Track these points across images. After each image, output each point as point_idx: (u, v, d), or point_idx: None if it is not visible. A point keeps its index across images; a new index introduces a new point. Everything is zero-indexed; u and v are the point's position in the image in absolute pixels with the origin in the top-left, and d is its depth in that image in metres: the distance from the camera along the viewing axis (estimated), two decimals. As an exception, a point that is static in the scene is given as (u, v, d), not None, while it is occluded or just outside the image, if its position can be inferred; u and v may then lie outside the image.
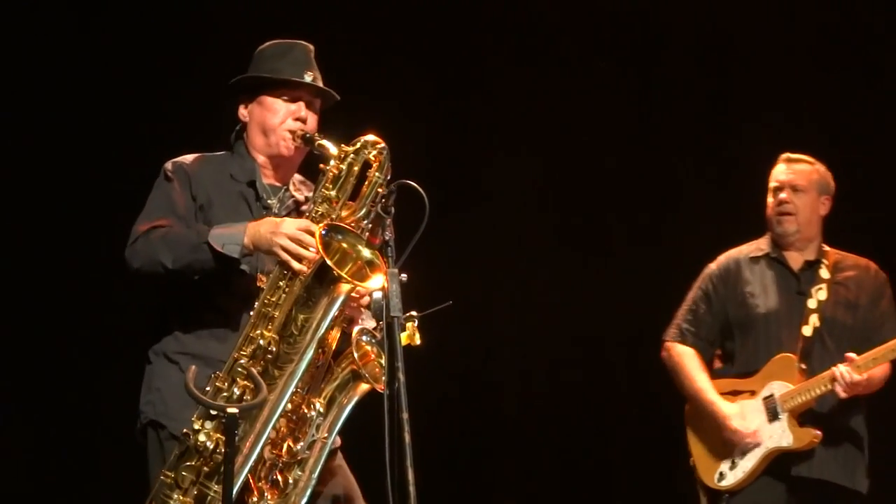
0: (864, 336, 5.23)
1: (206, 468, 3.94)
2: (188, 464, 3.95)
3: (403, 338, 4.35)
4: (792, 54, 6.89)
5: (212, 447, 3.91)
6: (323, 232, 3.92)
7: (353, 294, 4.01)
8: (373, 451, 3.72)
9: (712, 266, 5.43)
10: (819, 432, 5.13)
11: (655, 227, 6.87)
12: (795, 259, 5.36)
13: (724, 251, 5.51)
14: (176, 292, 4.17)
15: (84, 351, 6.28)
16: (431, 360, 4.25)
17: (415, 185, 3.88)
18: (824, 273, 5.30)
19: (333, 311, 3.96)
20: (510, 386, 6.97)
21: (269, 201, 4.25)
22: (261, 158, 4.30)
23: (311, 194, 4.24)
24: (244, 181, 4.26)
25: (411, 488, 3.59)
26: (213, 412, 3.89)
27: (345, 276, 3.90)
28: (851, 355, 5.11)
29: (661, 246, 6.74)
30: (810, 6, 6.86)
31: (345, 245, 3.97)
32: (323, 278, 3.93)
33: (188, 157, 4.30)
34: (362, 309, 4.13)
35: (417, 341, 4.13)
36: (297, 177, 4.38)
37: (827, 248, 5.39)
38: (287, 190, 4.31)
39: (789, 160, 5.39)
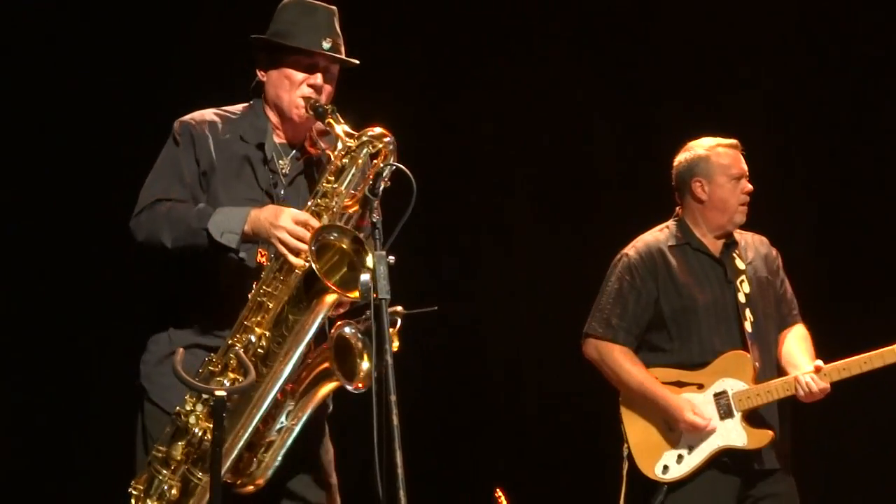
0: (777, 310, 5.23)
1: (194, 454, 3.95)
2: (179, 443, 3.96)
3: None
4: (775, 45, 6.93)
5: (199, 434, 3.92)
6: (313, 246, 3.89)
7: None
8: (361, 434, 3.71)
9: (632, 255, 5.27)
10: (772, 433, 5.11)
11: (649, 215, 6.86)
12: (714, 245, 5.27)
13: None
14: (175, 272, 4.18)
15: (83, 333, 6.27)
16: (420, 344, 4.25)
17: (402, 166, 3.88)
18: (739, 263, 5.23)
19: (321, 318, 3.96)
20: (499, 368, 6.98)
21: (279, 162, 4.23)
22: (274, 118, 4.27)
23: (326, 147, 4.23)
24: (253, 143, 4.23)
25: (399, 471, 3.58)
26: (203, 395, 3.89)
27: (332, 286, 3.88)
28: (819, 363, 5.07)
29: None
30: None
31: (341, 245, 3.95)
32: (313, 284, 3.93)
33: (196, 115, 4.24)
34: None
35: (395, 346, 4.10)
36: (319, 126, 4.28)
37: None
38: (300, 149, 4.28)
39: (739, 147, 5.31)
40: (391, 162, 3.93)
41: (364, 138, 4.04)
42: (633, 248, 5.29)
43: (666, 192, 5.44)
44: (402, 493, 3.58)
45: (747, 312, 5.16)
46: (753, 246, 5.32)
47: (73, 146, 6.26)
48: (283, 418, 4.03)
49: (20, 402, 6.21)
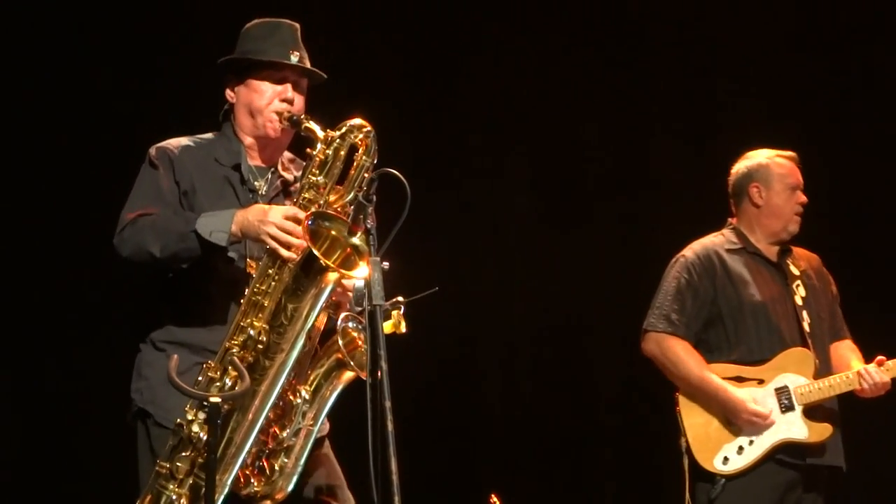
0: (829, 322, 5.38)
1: (200, 459, 3.94)
2: (183, 454, 3.96)
3: (389, 325, 4.37)
4: (772, 40, 6.89)
5: (205, 438, 3.90)
6: (310, 221, 3.91)
7: (340, 280, 4.00)
8: (356, 440, 3.72)
9: (689, 255, 5.38)
10: (832, 427, 5.20)
11: (640, 210, 6.86)
12: (770, 251, 5.40)
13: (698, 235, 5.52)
14: (164, 280, 4.17)
15: (74, 339, 6.28)
16: (414, 347, 4.25)
17: (396, 173, 3.87)
18: (794, 269, 5.37)
19: (322, 301, 3.96)
20: (493, 374, 6.97)
21: (255, 183, 4.24)
22: (248, 140, 4.29)
23: (299, 173, 4.23)
24: (229, 165, 4.25)
25: (394, 477, 3.58)
26: (204, 403, 3.89)
27: (332, 265, 3.89)
28: (881, 358, 5.20)
29: (646, 230, 6.74)
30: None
31: (333, 232, 3.96)
32: (310, 268, 3.92)
33: (172, 142, 4.28)
34: (349, 294, 4.11)
35: (403, 329, 4.12)
36: (287, 155, 4.37)
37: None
38: (275, 171, 4.30)
39: (797, 160, 5.45)
40: (384, 169, 3.92)
41: (344, 129, 4.05)
42: (690, 250, 5.41)
43: (659, 195, 5.49)
44: (397, 499, 3.58)
45: (804, 314, 5.30)
46: (806, 258, 5.46)
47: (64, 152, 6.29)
48: (299, 419, 4.05)
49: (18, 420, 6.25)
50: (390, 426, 3.61)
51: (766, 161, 5.42)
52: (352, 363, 4.03)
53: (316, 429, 4.07)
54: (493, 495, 5.60)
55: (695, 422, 5.26)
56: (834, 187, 6.51)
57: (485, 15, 6.91)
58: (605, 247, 5.46)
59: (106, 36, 6.35)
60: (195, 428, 3.93)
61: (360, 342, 4.07)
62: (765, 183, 5.39)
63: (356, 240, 3.93)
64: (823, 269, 5.49)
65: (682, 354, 5.27)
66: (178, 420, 3.97)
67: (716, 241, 5.42)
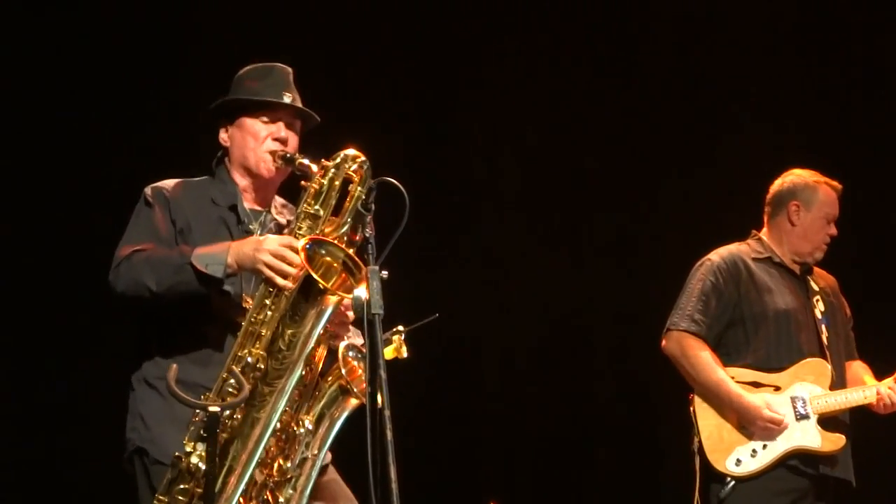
0: (845, 341, 5.43)
1: (198, 490, 3.90)
2: (181, 487, 3.93)
3: (391, 351, 4.39)
4: (774, 54, 6.94)
5: (204, 468, 3.85)
6: (307, 246, 3.90)
7: (339, 307, 3.98)
8: (355, 449, 3.69)
9: (716, 259, 5.40)
10: (845, 438, 5.23)
11: (636, 225, 6.89)
12: (793, 266, 5.45)
13: (705, 248, 5.51)
14: (158, 317, 4.15)
15: (69, 377, 6.27)
16: (413, 355, 4.25)
17: (395, 182, 3.88)
18: (814, 284, 5.43)
19: (321, 325, 3.93)
20: (493, 384, 6.97)
21: (250, 226, 4.24)
22: (242, 182, 4.29)
23: (292, 217, 4.23)
24: (225, 205, 4.25)
25: (394, 486, 3.55)
26: (202, 433, 3.86)
27: (330, 288, 3.88)
28: None
29: (643, 244, 6.77)
30: (795, 7, 6.91)
31: (328, 258, 3.95)
32: (308, 292, 3.90)
33: (168, 182, 4.29)
34: (348, 325, 4.11)
35: (404, 354, 4.13)
36: (279, 200, 4.37)
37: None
38: (269, 213, 4.31)
39: (841, 192, 5.49)
40: (383, 178, 3.93)
41: (338, 159, 4.05)
42: (716, 254, 5.43)
43: (658, 209, 5.52)
44: (396, 507, 3.56)
45: (823, 327, 5.35)
46: (824, 278, 5.51)
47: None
48: (303, 449, 4.03)
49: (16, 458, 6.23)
50: (389, 434, 3.59)
51: (814, 184, 5.45)
52: (354, 389, 4.01)
53: (320, 458, 4.04)
54: (492, 503, 5.61)
55: (709, 423, 5.27)
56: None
57: (482, 34, 6.98)
58: (606, 267, 5.49)
59: (102, 77, 6.42)
60: (194, 459, 3.89)
61: (359, 371, 4.05)
62: (806, 204, 5.43)
63: (351, 265, 3.93)
64: (839, 291, 5.53)
65: (701, 356, 5.29)
66: (177, 453, 3.93)
67: (742, 248, 5.45)
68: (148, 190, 4.27)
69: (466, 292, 6.73)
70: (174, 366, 3.78)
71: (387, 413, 3.62)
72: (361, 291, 3.74)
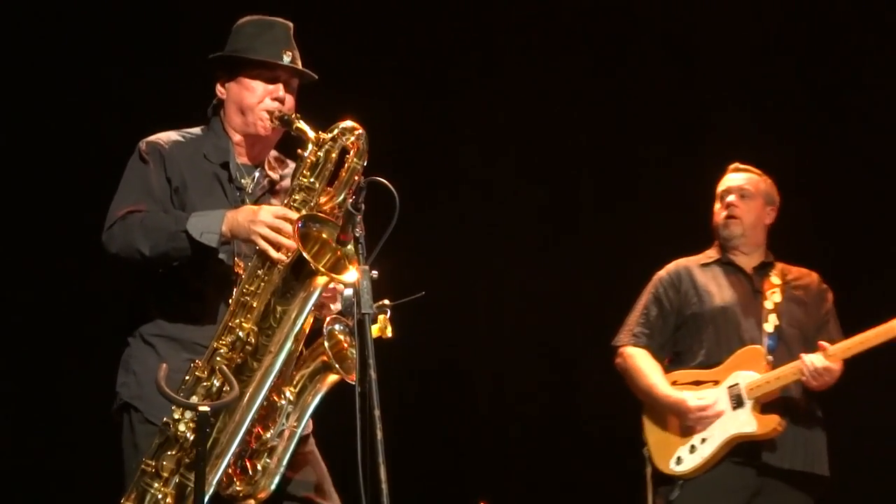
0: (813, 334, 5.36)
1: (186, 459, 3.93)
2: (169, 453, 3.95)
3: (375, 330, 4.34)
4: (758, 55, 6.92)
5: (192, 438, 3.90)
6: (300, 224, 3.90)
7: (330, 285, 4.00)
8: (345, 448, 3.71)
9: (662, 273, 5.53)
10: (782, 419, 5.21)
11: (631, 221, 6.88)
12: (745, 263, 5.50)
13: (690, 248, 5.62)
14: (154, 276, 4.16)
15: (62, 333, 6.27)
16: (403, 355, 4.25)
17: (385, 181, 3.87)
18: (775, 279, 5.45)
19: (311, 304, 3.96)
20: (483, 382, 6.99)
21: (242, 181, 4.23)
22: (236, 137, 4.28)
23: (285, 171, 4.25)
24: (217, 162, 4.24)
25: (384, 486, 3.59)
26: (193, 399, 3.89)
27: (321, 269, 3.88)
28: (824, 344, 5.22)
29: (637, 240, 6.75)
30: (780, 11, 6.88)
31: (323, 235, 3.95)
32: (300, 270, 3.92)
33: (162, 136, 4.26)
34: (336, 295, 4.11)
35: (389, 334, 4.12)
36: (273, 153, 4.36)
37: (773, 258, 5.54)
38: (262, 169, 4.30)
39: (738, 169, 5.56)
40: (373, 178, 3.92)
41: (335, 131, 4.05)
42: (665, 267, 5.57)
43: (648, 212, 5.56)
44: (386, 507, 3.60)
45: (771, 317, 5.36)
46: (797, 273, 5.51)
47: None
48: (283, 420, 4.04)
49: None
50: (379, 434, 3.61)
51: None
52: (337, 366, 4.03)
53: (300, 430, 4.07)
54: (482, 503, 5.63)
55: (654, 429, 5.40)
56: (818, 195, 6.54)
57: (472, 22, 6.94)
58: (597, 270, 5.51)
59: (94, 29, 6.37)
60: (182, 427, 3.91)
61: (345, 345, 4.06)
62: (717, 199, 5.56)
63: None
64: (822, 286, 5.52)
65: (638, 365, 5.42)
66: (165, 419, 3.95)
67: (694, 258, 5.56)
68: (142, 145, 4.24)
69: (455, 288, 6.71)
70: (164, 365, 3.79)
71: (377, 412, 3.62)
72: (350, 291, 3.73)
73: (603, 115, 6.97)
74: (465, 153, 6.94)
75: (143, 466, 3.99)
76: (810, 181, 6.55)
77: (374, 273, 3.78)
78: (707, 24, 6.92)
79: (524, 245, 6.91)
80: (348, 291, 3.77)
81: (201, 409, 3.66)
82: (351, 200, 3.91)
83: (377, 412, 3.63)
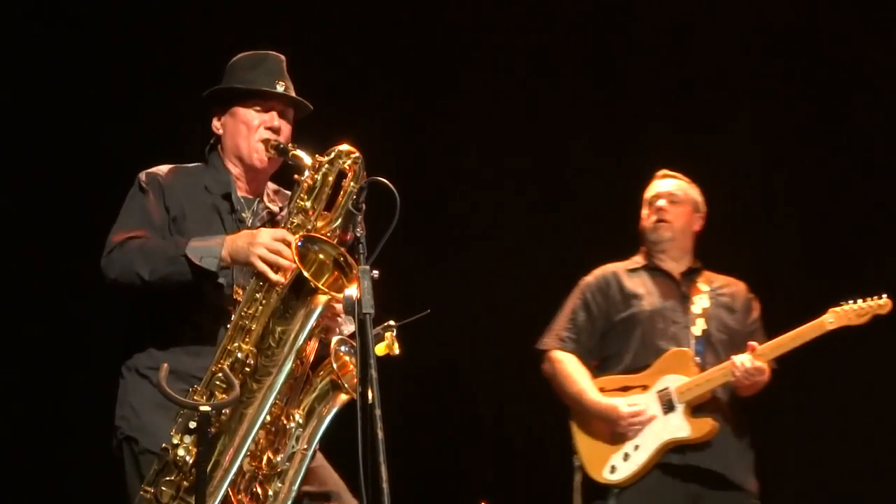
0: (741, 340, 5.30)
1: (185, 483, 3.90)
2: (168, 479, 3.92)
3: (382, 347, 4.39)
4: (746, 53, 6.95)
5: (191, 461, 3.87)
6: (299, 243, 3.89)
7: (330, 304, 3.98)
8: (346, 449, 3.70)
9: (588, 278, 5.51)
10: (716, 422, 5.18)
11: (632, 224, 6.90)
12: (673, 268, 5.48)
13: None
14: (150, 306, 4.14)
15: (59, 365, 6.28)
16: (404, 356, 4.25)
17: (386, 181, 3.86)
18: (703, 285, 5.43)
19: (311, 323, 3.93)
20: (484, 383, 6.97)
21: (242, 214, 4.23)
22: (235, 170, 4.29)
23: (284, 204, 4.23)
24: (219, 193, 4.24)
25: (384, 485, 3.55)
26: (190, 425, 3.86)
27: (321, 287, 3.87)
28: (753, 344, 5.19)
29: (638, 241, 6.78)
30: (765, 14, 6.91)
31: (321, 256, 3.95)
32: (300, 290, 3.90)
33: (162, 168, 4.28)
34: (339, 318, 4.11)
35: (396, 351, 4.12)
36: (271, 186, 4.37)
37: (700, 264, 5.52)
38: (261, 201, 4.30)
39: (666, 175, 5.57)
40: (374, 178, 3.91)
41: (332, 154, 4.05)
42: (592, 273, 5.53)
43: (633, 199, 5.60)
44: (387, 506, 3.56)
45: (699, 321, 5.33)
46: (726, 282, 5.49)
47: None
48: (293, 444, 4.03)
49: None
50: (380, 435, 3.59)
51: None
52: (345, 385, 4.01)
53: (310, 453, 4.04)
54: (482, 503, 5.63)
55: (584, 437, 5.33)
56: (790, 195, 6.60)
57: (473, 37, 6.98)
58: (594, 259, 5.52)
59: (94, 66, 6.43)
60: (181, 452, 3.89)
61: (351, 366, 4.04)
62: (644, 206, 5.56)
63: (343, 263, 3.93)
64: (749, 295, 5.49)
65: (565, 370, 5.38)
66: (164, 444, 3.92)
67: (621, 263, 5.53)
68: (142, 175, 4.25)
69: (456, 289, 6.72)
70: (165, 365, 3.77)
71: (378, 412, 3.62)
72: (352, 291, 3.74)
73: (598, 130, 7.01)
74: (462, 157, 6.96)
75: (141, 493, 3.95)
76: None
77: (375, 273, 3.77)
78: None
79: (524, 245, 6.92)
80: (349, 292, 3.77)
81: (202, 409, 3.65)
82: (352, 200, 3.93)
83: (378, 411, 3.60)
